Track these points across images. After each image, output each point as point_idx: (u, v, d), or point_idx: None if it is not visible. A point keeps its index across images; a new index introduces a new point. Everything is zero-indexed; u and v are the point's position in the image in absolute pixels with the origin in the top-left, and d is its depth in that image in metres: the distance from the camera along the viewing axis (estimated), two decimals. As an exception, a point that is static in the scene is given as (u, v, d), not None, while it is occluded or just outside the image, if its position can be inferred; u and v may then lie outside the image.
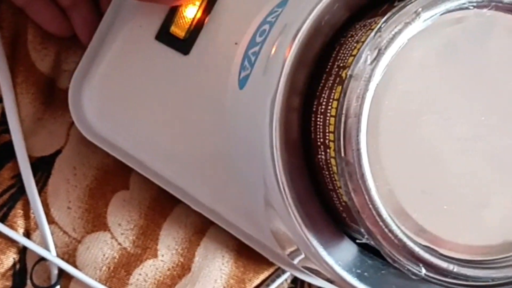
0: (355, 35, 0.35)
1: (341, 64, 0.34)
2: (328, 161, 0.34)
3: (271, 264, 0.54)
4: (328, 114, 0.34)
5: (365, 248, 0.38)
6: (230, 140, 0.44)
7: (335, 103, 0.33)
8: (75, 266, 0.52)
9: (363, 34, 0.34)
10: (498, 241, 0.34)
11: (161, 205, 0.53)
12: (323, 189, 0.37)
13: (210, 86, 0.45)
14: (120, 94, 0.46)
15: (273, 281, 0.54)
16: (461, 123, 0.33)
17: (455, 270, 0.33)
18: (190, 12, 0.45)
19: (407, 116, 0.33)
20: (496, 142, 0.34)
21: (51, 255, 0.51)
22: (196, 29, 0.45)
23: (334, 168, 0.34)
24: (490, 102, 0.34)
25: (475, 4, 0.33)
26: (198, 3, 0.45)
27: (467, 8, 0.33)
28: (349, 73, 0.32)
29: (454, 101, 0.33)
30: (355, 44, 0.34)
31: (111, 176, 0.52)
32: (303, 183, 0.37)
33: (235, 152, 0.44)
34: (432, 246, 0.34)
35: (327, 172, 0.35)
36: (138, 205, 0.52)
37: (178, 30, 0.45)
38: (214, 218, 0.49)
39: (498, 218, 0.34)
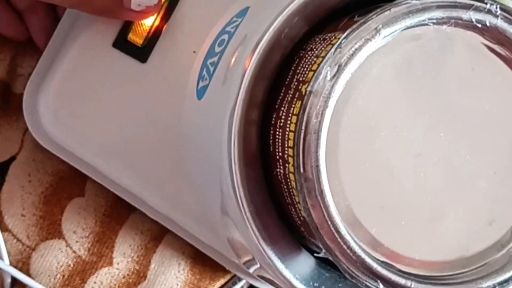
0: (314, 49, 0.35)
1: (301, 79, 0.34)
2: (287, 175, 0.34)
3: (227, 271, 0.54)
4: (287, 129, 0.34)
5: (322, 261, 0.38)
6: (187, 149, 0.44)
7: (294, 118, 0.33)
8: (29, 274, 0.51)
9: (322, 48, 0.34)
10: (454, 257, 0.35)
11: (117, 212, 0.52)
12: (282, 202, 0.37)
13: (168, 95, 0.44)
14: (76, 101, 0.45)
15: (229, 288, 0.54)
16: (418, 139, 0.34)
17: (412, 286, 0.33)
18: (148, 20, 0.44)
19: (365, 132, 0.33)
20: (452, 158, 0.34)
21: (4, 263, 0.50)
22: (154, 37, 0.44)
23: (293, 183, 0.34)
24: (447, 118, 0.34)
25: (434, 21, 0.33)
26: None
27: (426, 24, 0.33)
28: (308, 89, 0.32)
29: (412, 117, 0.33)
30: (315, 59, 0.34)
31: (67, 183, 0.52)
32: (261, 196, 0.37)
33: (192, 161, 0.44)
34: (389, 262, 0.34)
35: (285, 186, 0.35)
36: (94, 212, 0.52)
37: (136, 37, 0.44)
38: (170, 226, 0.48)
39: (454, 234, 0.34)
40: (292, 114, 0.33)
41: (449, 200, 0.34)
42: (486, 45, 0.34)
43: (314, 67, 0.33)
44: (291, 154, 0.33)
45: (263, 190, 0.37)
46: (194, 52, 0.43)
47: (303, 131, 0.32)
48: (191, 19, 0.44)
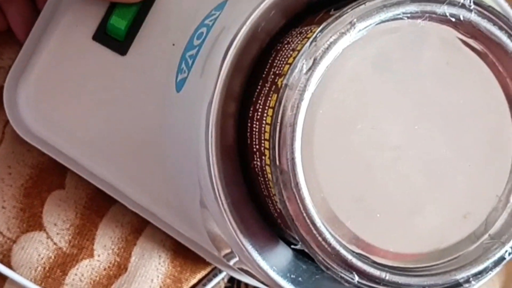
0: (291, 42, 0.35)
1: (277, 72, 0.34)
2: (264, 168, 0.35)
3: (207, 263, 0.54)
4: (264, 122, 0.34)
5: (300, 253, 0.39)
6: (166, 142, 0.44)
7: (270, 111, 0.33)
8: (10, 267, 0.51)
9: (298, 42, 0.34)
10: (428, 249, 0.35)
11: (98, 205, 0.52)
12: (259, 195, 0.37)
13: (147, 88, 0.44)
14: (57, 93, 0.45)
15: (210, 280, 0.54)
16: (394, 132, 0.34)
17: (387, 278, 0.34)
18: (129, 12, 0.44)
19: (341, 125, 0.33)
20: (428, 151, 0.34)
21: (-15, 256, 0.51)
22: (133, 30, 0.44)
23: (269, 175, 0.34)
24: (422, 111, 0.34)
25: (409, 15, 0.33)
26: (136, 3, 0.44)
27: (401, 18, 0.33)
28: (284, 82, 0.32)
29: (387, 110, 0.34)
30: (291, 52, 0.34)
31: (47, 175, 0.52)
32: (238, 188, 0.37)
33: (171, 155, 0.44)
34: (365, 254, 0.34)
35: (262, 179, 0.35)
36: (74, 205, 0.52)
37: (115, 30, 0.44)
38: (150, 218, 0.48)
39: (428, 226, 0.35)
40: (269, 107, 0.34)
41: (425, 193, 0.35)
42: (460, 39, 0.35)
43: (290, 61, 0.34)
44: (267, 147, 0.33)
45: (241, 183, 0.37)
46: (174, 44, 0.44)
47: (278, 124, 0.32)
48: (170, 12, 0.44)
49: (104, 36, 0.45)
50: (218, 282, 0.55)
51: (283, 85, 0.32)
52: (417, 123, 0.34)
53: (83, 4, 0.45)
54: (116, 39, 0.44)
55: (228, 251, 0.42)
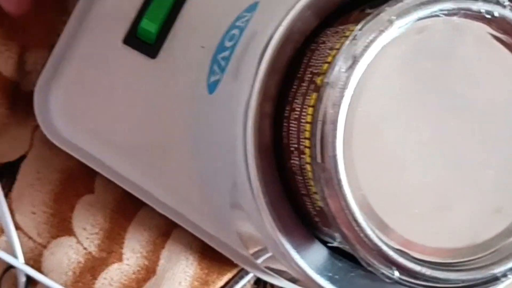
0: (327, 42, 0.36)
1: (315, 71, 0.35)
2: (303, 166, 0.35)
3: (234, 265, 0.54)
4: (303, 120, 0.34)
5: (335, 251, 0.39)
6: (196, 143, 0.44)
7: (310, 110, 0.34)
8: (41, 272, 0.52)
9: (336, 41, 0.35)
10: (464, 244, 0.35)
11: (126, 208, 0.53)
12: (295, 193, 0.37)
13: (178, 90, 0.45)
14: (87, 97, 0.46)
15: (237, 282, 0.55)
16: (426, 128, 0.34)
17: (427, 273, 0.34)
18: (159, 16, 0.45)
19: (377, 122, 0.33)
20: (460, 147, 0.35)
21: (19, 262, 0.51)
22: (163, 33, 0.45)
23: (309, 173, 0.34)
24: (455, 108, 0.34)
25: (445, 12, 0.34)
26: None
27: (437, 16, 0.34)
28: (325, 80, 0.32)
29: (420, 106, 0.34)
30: (328, 51, 0.34)
31: (76, 180, 0.52)
32: (275, 187, 0.37)
33: (201, 155, 0.44)
34: (404, 249, 0.34)
35: (300, 177, 0.36)
36: (103, 209, 0.52)
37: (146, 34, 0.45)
38: (178, 220, 0.49)
39: (463, 221, 0.35)
40: (308, 105, 0.34)
41: (458, 188, 0.35)
42: (493, 35, 0.35)
43: (329, 59, 0.34)
44: (308, 145, 0.34)
45: (277, 182, 0.37)
46: (203, 47, 0.44)
47: (320, 122, 0.32)
48: (199, 15, 0.45)
49: (135, 39, 0.45)
50: (245, 284, 0.55)
51: (323, 83, 0.32)
52: (450, 119, 0.34)
53: (113, 8, 0.45)
54: (146, 42, 0.45)
55: (257, 248, 0.43)
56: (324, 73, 0.33)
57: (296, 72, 0.37)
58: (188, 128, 0.44)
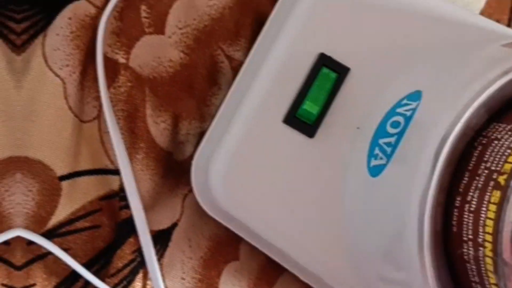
0: (502, 139, 0.37)
1: (492, 168, 0.36)
2: (479, 258, 0.36)
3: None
4: (483, 215, 0.36)
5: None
6: (348, 222, 0.46)
7: (492, 206, 0.35)
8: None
9: (514, 140, 0.36)
10: None
11: (268, 274, 0.55)
12: (461, 279, 0.39)
13: (332, 170, 0.47)
14: (246, 170, 0.48)
15: None
16: None
17: None
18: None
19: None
20: None
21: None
22: (322, 113, 0.48)
23: (488, 266, 0.36)
24: None
25: None
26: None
27: None
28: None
29: None
30: (508, 150, 0.36)
31: (223, 247, 0.54)
32: (444, 273, 0.39)
33: (352, 233, 0.46)
34: None
35: (474, 267, 0.37)
36: (248, 275, 0.54)
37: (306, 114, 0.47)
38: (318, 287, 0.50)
39: None
40: (489, 202, 0.36)
41: None
42: None
43: (510, 159, 0.36)
44: (489, 240, 0.35)
45: (445, 267, 0.39)
46: (358, 128, 0.46)
47: (505, 222, 0.34)
48: (354, 97, 0.47)
49: (294, 119, 0.48)
50: None
51: (510, 186, 0.34)
52: None
53: (273, 88, 0.48)
54: (305, 122, 0.47)
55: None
56: (507, 173, 0.35)
57: (466, 165, 0.38)
58: (338, 207, 0.46)
